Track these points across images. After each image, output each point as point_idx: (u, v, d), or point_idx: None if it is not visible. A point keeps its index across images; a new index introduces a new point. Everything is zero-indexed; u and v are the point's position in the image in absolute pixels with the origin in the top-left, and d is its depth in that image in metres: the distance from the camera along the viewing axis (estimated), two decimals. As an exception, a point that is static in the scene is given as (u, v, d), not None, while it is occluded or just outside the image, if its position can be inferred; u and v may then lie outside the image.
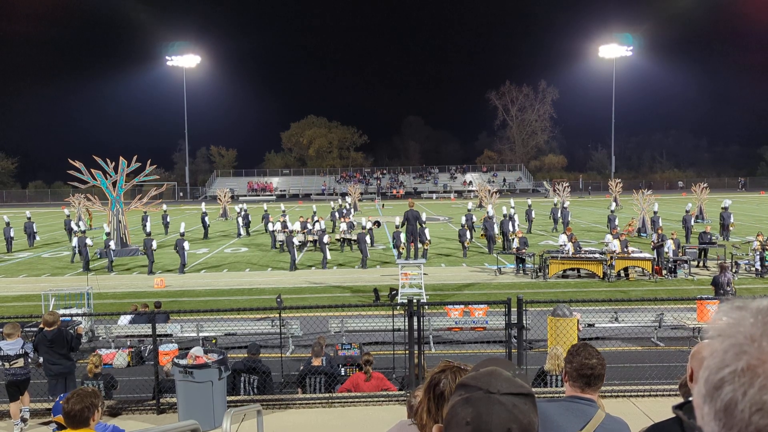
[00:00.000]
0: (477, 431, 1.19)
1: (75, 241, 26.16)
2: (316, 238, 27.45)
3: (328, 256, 24.79)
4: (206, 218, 35.74)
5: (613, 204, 35.26)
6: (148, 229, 27.53)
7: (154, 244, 24.86)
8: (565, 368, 3.08)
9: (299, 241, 27.88)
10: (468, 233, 26.92)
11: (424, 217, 26.18)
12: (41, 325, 9.16)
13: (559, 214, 34.80)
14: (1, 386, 9.85)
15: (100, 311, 16.47)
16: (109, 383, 9.66)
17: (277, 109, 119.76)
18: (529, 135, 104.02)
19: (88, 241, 25.44)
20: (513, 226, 28.19)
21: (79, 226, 31.26)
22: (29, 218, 34.14)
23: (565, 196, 45.68)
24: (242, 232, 35.59)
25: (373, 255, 26.18)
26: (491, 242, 27.33)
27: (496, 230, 27.71)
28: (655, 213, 28.76)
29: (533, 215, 35.35)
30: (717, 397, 0.84)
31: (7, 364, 8.64)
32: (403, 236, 25.34)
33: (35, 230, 33.96)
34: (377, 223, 32.29)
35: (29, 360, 9.02)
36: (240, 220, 36.15)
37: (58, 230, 39.03)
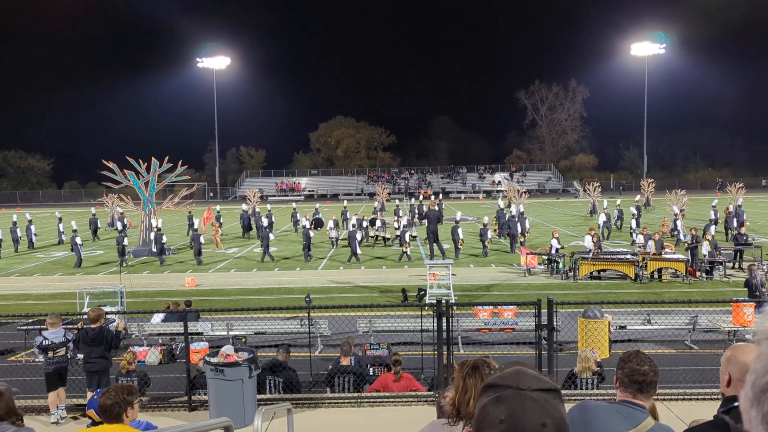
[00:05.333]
0: (512, 428, 1.19)
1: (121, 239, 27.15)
2: (388, 235, 30.69)
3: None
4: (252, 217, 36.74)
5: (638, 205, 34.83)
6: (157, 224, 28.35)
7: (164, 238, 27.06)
8: (617, 374, 3.10)
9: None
10: (489, 232, 27.30)
11: (458, 215, 26.56)
12: (80, 325, 9.36)
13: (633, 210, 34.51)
14: (34, 382, 10.11)
15: (133, 309, 16.78)
16: (142, 380, 9.82)
17: (305, 109, 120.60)
18: (559, 134, 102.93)
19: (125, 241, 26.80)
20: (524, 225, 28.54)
21: (115, 227, 32.05)
22: (59, 219, 35.99)
23: (596, 197, 45.25)
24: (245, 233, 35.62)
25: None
26: (513, 241, 27.25)
27: (519, 229, 27.56)
28: (738, 206, 28.89)
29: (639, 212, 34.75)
30: (765, 400, 0.82)
31: (50, 353, 8.97)
32: (407, 235, 26.45)
33: (62, 230, 35.03)
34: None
35: (69, 348, 9.39)
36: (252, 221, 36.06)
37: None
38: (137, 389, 4.49)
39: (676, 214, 29.70)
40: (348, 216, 34.37)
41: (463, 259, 25.39)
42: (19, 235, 32.13)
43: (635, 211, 32.96)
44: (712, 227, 28.12)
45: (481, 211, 52.29)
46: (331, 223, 31.01)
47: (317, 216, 37.76)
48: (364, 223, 31.35)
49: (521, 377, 1.28)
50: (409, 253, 25.79)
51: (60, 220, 35.55)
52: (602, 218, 32.36)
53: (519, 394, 1.24)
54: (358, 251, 25.61)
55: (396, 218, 32.28)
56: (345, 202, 40.58)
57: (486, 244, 26.49)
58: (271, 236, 26.47)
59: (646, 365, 3.02)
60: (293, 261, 26.40)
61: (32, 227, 33.21)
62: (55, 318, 9.22)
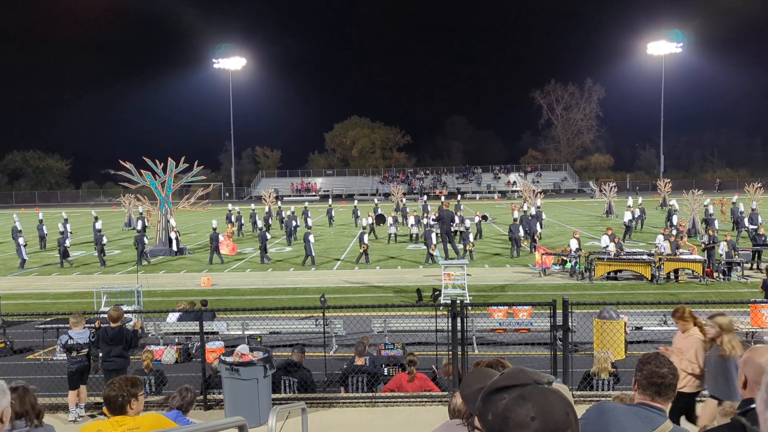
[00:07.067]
0: (545, 424, 1.19)
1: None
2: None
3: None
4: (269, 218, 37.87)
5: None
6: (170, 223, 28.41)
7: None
8: (635, 376, 3.08)
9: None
10: (471, 236, 26.82)
11: (468, 222, 26.44)
12: (98, 323, 9.47)
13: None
14: (53, 380, 10.24)
15: (149, 308, 16.92)
16: (158, 379, 9.92)
17: (320, 110, 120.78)
18: (575, 134, 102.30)
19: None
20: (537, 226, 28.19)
21: (133, 227, 32.38)
22: (96, 218, 35.85)
23: (612, 197, 44.94)
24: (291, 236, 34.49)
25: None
26: (514, 245, 26.55)
27: (521, 233, 26.97)
28: (753, 210, 28.97)
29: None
30: (779, 402, 0.81)
31: (75, 353, 9.10)
32: (365, 237, 25.82)
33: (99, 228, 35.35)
34: (485, 217, 33.35)
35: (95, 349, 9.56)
36: (288, 223, 34.76)
37: (109, 229, 40.19)
38: (141, 382, 4.36)
39: (710, 214, 29.39)
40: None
41: (478, 260, 25.26)
42: (45, 232, 32.85)
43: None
44: (745, 219, 27.98)
45: (496, 211, 52.05)
46: (390, 220, 32.93)
47: (379, 212, 39.85)
48: (424, 221, 31.95)
49: (530, 374, 1.28)
50: (368, 253, 25.42)
51: (96, 219, 35.84)
52: (627, 216, 31.76)
53: (541, 389, 1.23)
54: (313, 253, 25.29)
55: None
56: (420, 201, 41.79)
57: (467, 248, 25.57)
58: (311, 238, 25.51)
59: (666, 368, 3.00)
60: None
61: (68, 225, 33.59)
62: (79, 317, 9.34)
